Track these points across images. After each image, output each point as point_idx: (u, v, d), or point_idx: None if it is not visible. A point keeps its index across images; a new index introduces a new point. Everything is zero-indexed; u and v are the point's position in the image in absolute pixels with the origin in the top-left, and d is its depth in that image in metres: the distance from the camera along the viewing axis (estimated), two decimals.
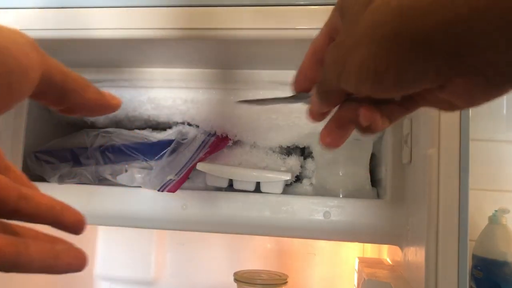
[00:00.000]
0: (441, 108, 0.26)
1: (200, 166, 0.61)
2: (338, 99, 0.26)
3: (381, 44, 0.20)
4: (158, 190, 0.59)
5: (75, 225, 0.25)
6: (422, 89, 0.21)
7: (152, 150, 0.65)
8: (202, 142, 0.64)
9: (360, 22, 0.22)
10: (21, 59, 0.21)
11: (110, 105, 0.27)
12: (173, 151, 0.64)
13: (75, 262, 0.23)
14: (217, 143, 0.65)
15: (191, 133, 0.66)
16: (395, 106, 0.26)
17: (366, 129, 0.26)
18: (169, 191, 0.59)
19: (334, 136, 0.28)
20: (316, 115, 0.30)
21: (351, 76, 0.22)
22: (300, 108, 0.62)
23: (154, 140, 0.66)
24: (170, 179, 0.60)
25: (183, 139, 0.65)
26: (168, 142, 0.65)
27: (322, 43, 0.28)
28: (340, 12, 0.25)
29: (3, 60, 0.20)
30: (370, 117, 0.25)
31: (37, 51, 0.23)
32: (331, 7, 0.49)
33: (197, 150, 0.64)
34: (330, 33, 0.27)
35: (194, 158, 0.63)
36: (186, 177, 0.61)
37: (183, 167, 0.62)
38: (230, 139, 0.65)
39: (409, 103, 0.27)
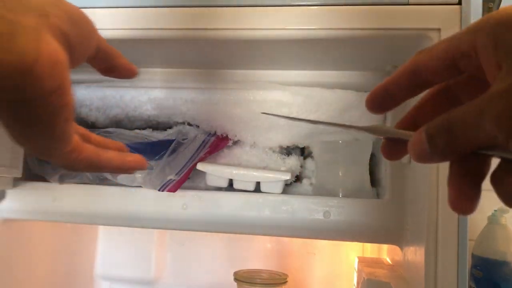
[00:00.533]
0: None
1: (200, 166, 0.61)
2: (463, 154, 0.21)
3: None
4: (159, 190, 0.59)
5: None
6: None
7: (152, 150, 0.65)
8: (202, 142, 0.65)
9: None
10: (93, 28, 0.30)
11: (133, 70, 0.36)
12: (173, 151, 0.64)
13: (137, 165, 0.34)
14: (217, 143, 0.65)
15: (191, 133, 0.66)
16: None
17: None
18: (169, 190, 0.59)
19: (469, 199, 0.21)
20: (396, 155, 0.26)
21: None
22: (300, 109, 0.62)
23: (154, 140, 0.66)
24: (170, 179, 0.60)
25: (183, 139, 0.65)
26: (169, 142, 0.65)
27: (433, 64, 0.24)
28: (493, 41, 0.20)
29: (87, 26, 0.29)
30: None
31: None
32: (330, 7, 0.49)
33: (197, 150, 0.64)
34: (454, 58, 0.23)
35: (194, 158, 0.63)
36: (186, 177, 0.61)
37: (183, 167, 0.62)
38: (230, 139, 0.65)
39: None
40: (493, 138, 0.19)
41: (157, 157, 0.64)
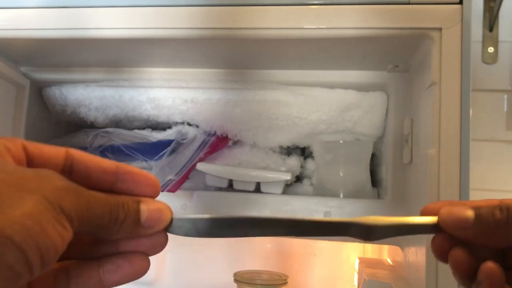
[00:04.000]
0: None
1: (200, 166, 0.61)
2: None
3: None
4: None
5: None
6: None
7: (152, 150, 0.65)
8: (202, 142, 0.64)
9: None
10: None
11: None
12: (173, 151, 0.64)
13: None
14: (217, 143, 0.65)
15: (191, 133, 0.66)
16: None
17: None
18: (169, 191, 0.59)
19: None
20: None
21: None
22: (301, 109, 0.62)
23: (154, 140, 0.66)
24: (170, 179, 0.60)
25: (182, 139, 0.65)
26: (168, 142, 0.64)
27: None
28: None
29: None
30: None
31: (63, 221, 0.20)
32: (331, 6, 0.49)
33: (197, 150, 0.64)
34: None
35: (194, 158, 0.63)
36: (186, 177, 0.61)
37: (183, 167, 0.61)
38: (230, 139, 0.65)
39: None
40: None
41: (156, 157, 0.64)
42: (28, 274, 0.18)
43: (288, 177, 0.59)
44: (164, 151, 0.64)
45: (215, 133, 0.65)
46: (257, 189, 0.61)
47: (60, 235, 0.19)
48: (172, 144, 0.64)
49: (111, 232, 0.23)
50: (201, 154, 0.63)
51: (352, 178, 0.62)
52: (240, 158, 0.64)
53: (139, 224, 0.24)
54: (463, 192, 0.44)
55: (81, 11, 0.53)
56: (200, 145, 0.64)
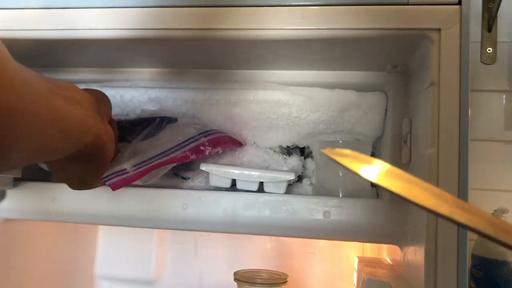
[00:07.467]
0: None
1: (203, 167, 0.61)
2: None
3: None
4: (101, 179, 0.47)
5: None
6: None
7: (133, 129, 0.59)
8: (189, 139, 0.56)
9: None
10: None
11: None
12: (150, 135, 0.57)
13: None
14: (226, 139, 0.63)
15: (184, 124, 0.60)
16: None
17: None
18: (109, 185, 0.46)
19: None
20: None
21: None
22: (300, 109, 0.62)
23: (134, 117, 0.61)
24: (124, 170, 0.48)
25: (169, 122, 0.59)
26: (148, 123, 0.59)
27: None
28: None
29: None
30: None
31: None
32: (330, 7, 0.49)
33: (178, 145, 0.55)
34: None
35: (167, 154, 0.53)
36: (140, 176, 0.48)
37: (148, 160, 0.50)
38: (240, 143, 0.65)
39: None
40: None
41: (134, 137, 0.57)
42: None
43: (292, 176, 0.59)
44: (139, 132, 0.57)
45: (208, 134, 0.63)
46: (260, 189, 0.61)
47: None
48: (153, 125, 0.57)
49: None
50: (179, 154, 0.52)
51: (351, 178, 0.62)
52: (242, 159, 0.64)
53: None
54: (462, 192, 0.44)
55: (80, 12, 0.53)
56: (184, 142, 0.55)
